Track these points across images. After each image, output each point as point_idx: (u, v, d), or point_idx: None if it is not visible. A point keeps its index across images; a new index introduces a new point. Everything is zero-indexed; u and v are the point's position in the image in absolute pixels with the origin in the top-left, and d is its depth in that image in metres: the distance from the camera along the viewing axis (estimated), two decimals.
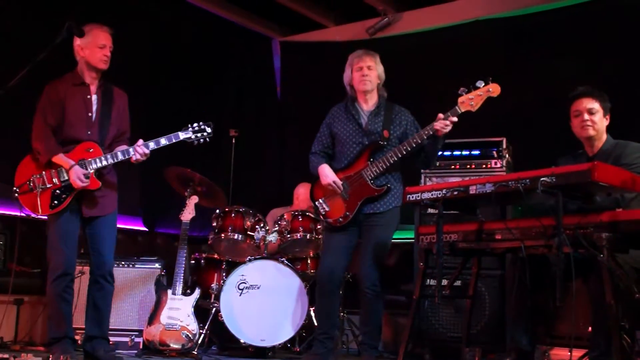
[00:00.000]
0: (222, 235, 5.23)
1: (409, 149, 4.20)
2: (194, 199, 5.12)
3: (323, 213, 4.38)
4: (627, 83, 5.53)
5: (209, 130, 4.24)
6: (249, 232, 5.25)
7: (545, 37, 6.18)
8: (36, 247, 5.66)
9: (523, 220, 3.47)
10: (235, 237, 5.21)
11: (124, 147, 4.19)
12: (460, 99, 4.09)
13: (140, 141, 4.11)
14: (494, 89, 4.05)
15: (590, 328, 3.54)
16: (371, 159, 4.30)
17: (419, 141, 4.19)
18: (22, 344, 4.96)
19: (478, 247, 3.63)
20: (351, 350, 5.51)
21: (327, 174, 4.35)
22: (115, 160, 4.10)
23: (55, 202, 4.05)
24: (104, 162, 4.09)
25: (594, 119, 3.76)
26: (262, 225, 5.31)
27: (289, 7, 7.36)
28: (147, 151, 4.10)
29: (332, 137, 4.48)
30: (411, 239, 5.24)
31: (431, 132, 4.13)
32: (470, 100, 4.07)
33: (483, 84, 4.05)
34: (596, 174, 3.05)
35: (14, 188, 4.09)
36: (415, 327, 4.49)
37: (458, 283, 4.48)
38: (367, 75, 4.37)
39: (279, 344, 5.03)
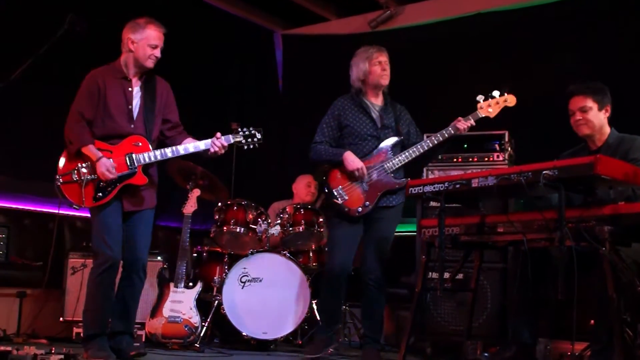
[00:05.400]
0: (224, 228, 5.22)
1: (431, 146, 4.31)
2: (196, 192, 5.13)
3: (341, 202, 4.32)
4: (629, 76, 5.52)
5: (259, 136, 4.16)
6: (251, 225, 5.25)
7: (548, 30, 6.16)
8: (39, 240, 5.69)
9: (525, 213, 3.47)
10: (238, 230, 5.21)
11: (190, 140, 4.08)
12: (479, 105, 4.35)
13: (219, 134, 4.03)
14: (511, 100, 4.35)
15: (592, 321, 3.54)
16: (391, 152, 4.34)
17: (441, 139, 4.30)
18: (25, 337, 4.97)
19: (480, 240, 3.63)
20: (353, 343, 5.53)
21: (354, 159, 4.30)
22: (164, 158, 4.00)
23: (100, 194, 3.90)
24: (152, 158, 3.97)
25: (586, 116, 3.75)
26: (264, 218, 5.32)
27: (291, 0, 7.34)
28: (225, 144, 4.02)
29: (340, 129, 4.46)
30: (413, 232, 5.24)
31: (453, 132, 4.30)
32: (488, 107, 4.34)
33: (499, 94, 4.33)
34: (599, 167, 3.04)
35: (57, 176, 3.92)
36: (417, 320, 4.50)
37: (460, 276, 4.49)
38: (387, 70, 4.42)
39: (281, 337, 5.04)
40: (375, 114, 4.42)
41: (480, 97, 4.34)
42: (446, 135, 4.30)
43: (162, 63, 4.10)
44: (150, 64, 4.03)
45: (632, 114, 4.81)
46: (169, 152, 4.02)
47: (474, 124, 4.33)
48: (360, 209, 4.30)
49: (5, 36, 5.56)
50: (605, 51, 5.78)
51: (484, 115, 4.33)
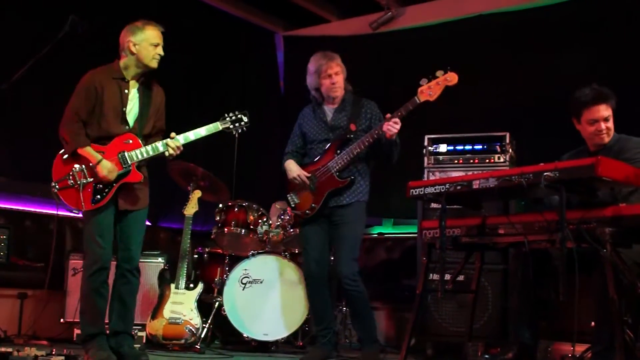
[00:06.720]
0: (225, 229, 5.23)
1: (371, 141, 4.21)
2: (197, 194, 5.13)
3: (293, 205, 4.45)
4: (630, 77, 5.51)
5: (245, 119, 4.20)
6: (252, 227, 5.26)
7: (550, 32, 6.16)
8: (40, 241, 5.69)
9: (526, 214, 3.46)
10: (238, 231, 5.22)
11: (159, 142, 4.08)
12: (419, 89, 4.12)
13: (173, 134, 4.01)
14: (452, 78, 4.11)
15: (593, 323, 3.54)
16: (338, 152, 4.33)
17: (371, 140, 4.20)
18: (26, 338, 4.96)
19: (481, 241, 3.62)
20: (354, 345, 5.52)
21: (291, 168, 4.43)
22: (156, 153, 3.98)
23: (98, 196, 3.89)
24: (144, 155, 3.97)
25: (609, 125, 3.74)
26: (265, 219, 5.32)
27: (292, 2, 7.34)
28: (179, 145, 4.01)
29: (303, 137, 4.53)
30: (414, 233, 5.24)
31: (380, 132, 4.16)
32: (429, 90, 4.10)
33: (442, 73, 4.11)
34: (600, 169, 3.03)
35: (52, 183, 3.90)
36: (418, 322, 4.50)
37: (461, 278, 4.49)
38: (337, 82, 4.40)
39: (282, 339, 5.04)
40: (328, 117, 4.45)
41: (423, 80, 4.11)
42: (375, 135, 4.19)
43: (164, 64, 4.11)
44: (154, 63, 4.03)
45: (634, 115, 4.81)
46: (160, 146, 3.99)
47: (402, 115, 4.09)
48: (308, 211, 4.37)
49: (7, 37, 5.55)
50: (608, 52, 5.78)
51: (423, 100, 4.09)
